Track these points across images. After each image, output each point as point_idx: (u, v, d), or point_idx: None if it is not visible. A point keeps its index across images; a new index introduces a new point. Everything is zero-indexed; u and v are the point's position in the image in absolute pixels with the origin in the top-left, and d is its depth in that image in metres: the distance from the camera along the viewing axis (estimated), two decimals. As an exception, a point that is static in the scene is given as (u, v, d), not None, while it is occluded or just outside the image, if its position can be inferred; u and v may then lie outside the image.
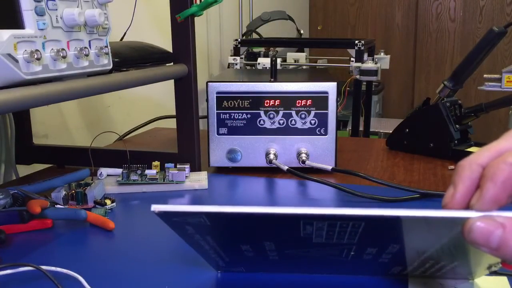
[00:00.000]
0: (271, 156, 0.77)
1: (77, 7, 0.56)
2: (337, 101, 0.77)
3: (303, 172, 0.73)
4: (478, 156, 0.33)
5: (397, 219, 0.31)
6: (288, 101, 0.77)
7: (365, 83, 1.93)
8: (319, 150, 0.78)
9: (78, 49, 0.56)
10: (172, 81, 0.77)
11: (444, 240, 0.34)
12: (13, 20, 0.49)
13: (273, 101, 0.77)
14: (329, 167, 0.76)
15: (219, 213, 0.33)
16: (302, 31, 2.34)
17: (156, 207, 0.33)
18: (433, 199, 0.66)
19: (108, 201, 0.64)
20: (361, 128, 1.90)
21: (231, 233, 0.38)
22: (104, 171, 0.72)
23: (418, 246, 0.37)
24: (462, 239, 0.31)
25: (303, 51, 2.08)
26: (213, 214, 0.33)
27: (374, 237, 0.36)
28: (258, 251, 0.40)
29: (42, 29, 0.51)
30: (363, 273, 0.45)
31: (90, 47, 0.59)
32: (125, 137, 1.07)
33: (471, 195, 0.33)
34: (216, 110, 0.78)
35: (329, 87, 0.77)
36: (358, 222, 0.32)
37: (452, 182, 0.34)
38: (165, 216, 0.34)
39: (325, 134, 0.78)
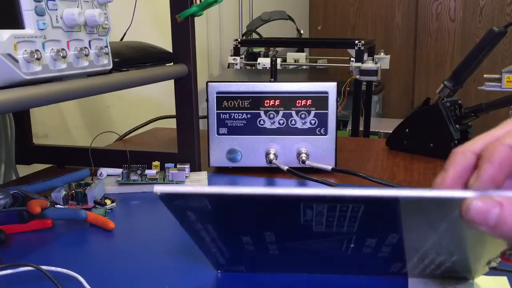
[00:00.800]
0: (271, 156, 0.77)
1: (77, 7, 0.56)
2: (337, 101, 0.77)
3: (303, 172, 0.73)
4: (472, 143, 0.34)
5: (395, 200, 0.31)
6: (288, 101, 0.77)
7: (365, 83, 1.93)
8: (319, 150, 0.78)
9: (78, 49, 0.56)
10: (172, 81, 0.77)
11: (443, 227, 0.35)
12: (13, 20, 0.49)
13: (273, 101, 0.77)
14: (329, 167, 0.76)
15: (221, 194, 0.33)
16: (302, 31, 2.34)
17: (158, 189, 0.32)
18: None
19: (108, 201, 0.64)
20: (361, 128, 1.90)
21: (232, 220, 0.38)
22: (104, 171, 0.72)
23: (417, 236, 0.37)
24: (460, 226, 0.31)
25: (303, 51, 2.08)
26: (215, 195, 0.33)
27: (373, 225, 0.36)
28: (258, 244, 0.40)
29: (42, 29, 0.51)
30: (363, 272, 0.45)
31: (90, 47, 0.59)
32: (125, 137, 1.07)
33: (462, 181, 0.33)
34: (216, 110, 0.78)
35: (329, 87, 0.77)
36: (358, 205, 0.33)
37: (444, 167, 0.34)
38: (167, 198, 0.34)
39: (325, 134, 0.78)
